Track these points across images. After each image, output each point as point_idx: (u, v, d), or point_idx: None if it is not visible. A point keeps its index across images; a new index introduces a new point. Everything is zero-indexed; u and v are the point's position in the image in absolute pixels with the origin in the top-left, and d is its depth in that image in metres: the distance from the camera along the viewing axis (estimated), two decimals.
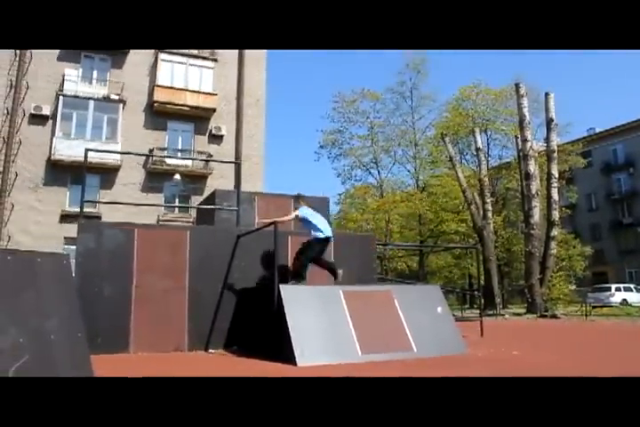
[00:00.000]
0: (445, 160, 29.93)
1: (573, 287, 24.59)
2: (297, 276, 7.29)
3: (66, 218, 19.44)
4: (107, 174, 21.02)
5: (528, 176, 21.56)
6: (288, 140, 78.45)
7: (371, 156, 33.63)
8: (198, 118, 22.91)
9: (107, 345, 6.70)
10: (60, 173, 20.21)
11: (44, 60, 20.69)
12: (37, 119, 20.45)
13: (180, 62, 22.64)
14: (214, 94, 22.92)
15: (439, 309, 7.37)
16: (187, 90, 22.52)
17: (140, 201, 19.45)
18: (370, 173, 34.06)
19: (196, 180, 22.40)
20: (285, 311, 6.28)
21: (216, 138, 23.13)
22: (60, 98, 20.68)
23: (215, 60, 23.32)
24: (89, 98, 21.10)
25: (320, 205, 10.30)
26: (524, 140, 21.89)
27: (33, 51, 20.46)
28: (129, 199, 19.30)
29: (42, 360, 3.48)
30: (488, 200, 26.14)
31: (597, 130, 46.57)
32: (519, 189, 25.17)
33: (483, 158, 27.31)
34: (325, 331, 6.32)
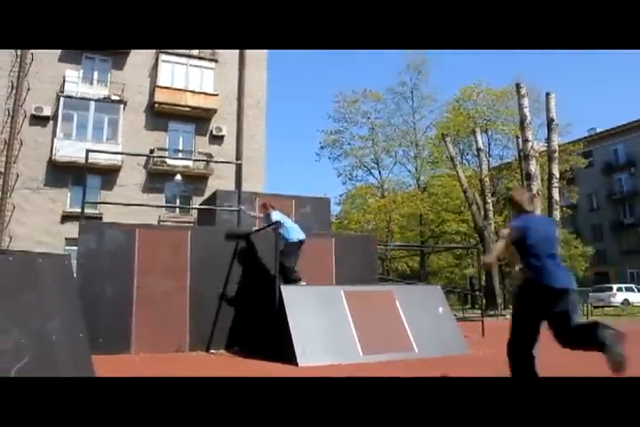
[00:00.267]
0: (446, 160, 29.92)
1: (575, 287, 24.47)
2: (291, 282, 7.29)
3: (67, 219, 19.45)
4: (108, 175, 21.04)
5: (529, 176, 21.53)
6: (289, 140, 78.51)
7: (372, 156, 33.67)
8: (199, 119, 22.93)
9: (108, 346, 6.71)
10: (61, 173, 20.22)
11: (44, 61, 20.72)
12: (38, 120, 20.47)
13: (180, 63, 22.65)
14: (215, 95, 22.93)
15: (440, 309, 7.38)
16: (187, 90, 22.53)
17: (140, 202, 19.47)
18: (371, 173, 34.11)
19: (196, 180, 22.41)
20: (286, 312, 6.29)
21: (217, 138, 23.15)
22: (61, 99, 20.70)
23: (216, 61, 23.33)
24: (90, 99, 21.11)
25: (321, 205, 10.33)
26: (525, 141, 21.85)
27: (34, 52, 20.50)
28: (130, 200, 19.32)
29: (43, 361, 3.49)
30: (489, 200, 26.15)
31: (598, 130, 46.52)
32: None
33: (484, 158, 27.31)
34: (326, 331, 6.32)
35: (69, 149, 19.77)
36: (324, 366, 5.66)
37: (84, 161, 8.79)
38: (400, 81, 34.14)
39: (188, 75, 22.69)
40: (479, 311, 15.01)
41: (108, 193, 20.70)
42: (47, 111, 20.47)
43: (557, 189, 21.56)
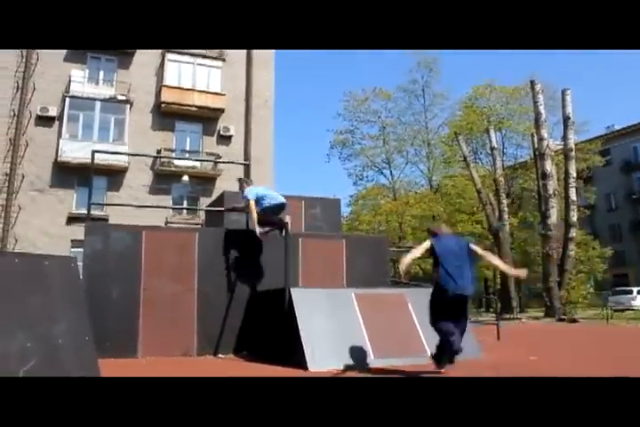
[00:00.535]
0: (459, 160, 29.86)
1: (592, 290, 24.36)
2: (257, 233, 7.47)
3: (73, 220, 19.59)
4: (114, 176, 21.17)
5: (545, 176, 21.41)
6: (298, 140, 78.63)
7: (383, 156, 33.67)
8: (206, 119, 23.02)
9: (115, 349, 6.74)
10: (67, 174, 20.38)
11: (50, 62, 20.89)
12: (44, 121, 20.65)
13: (187, 62, 22.75)
14: (222, 94, 23.01)
15: None
16: (194, 90, 22.63)
17: (147, 203, 19.57)
18: (382, 173, 34.10)
19: (204, 181, 22.49)
20: (296, 314, 6.29)
21: (224, 139, 23.23)
22: (67, 99, 20.87)
23: (223, 60, 23.42)
24: (96, 99, 21.27)
25: (331, 206, 10.32)
26: (541, 139, 21.75)
27: (39, 52, 20.68)
28: (136, 201, 19.44)
29: (49, 364, 3.51)
30: (504, 201, 26.04)
31: (616, 127, 46.15)
32: (536, 190, 25.02)
33: (497, 158, 27.23)
34: (337, 334, 6.31)
35: (75, 150, 19.92)
36: (334, 370, 5.66)
37: (90, 162, 8.84)
38: (411, 79, 34.15)
39: (194, 74, 22.78)
40: (494, 315, 14.93)
41: (115, 194, 20.83)
42: (53, 112, 20.65)
43: (574, 189, 21.42)
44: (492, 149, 27.04)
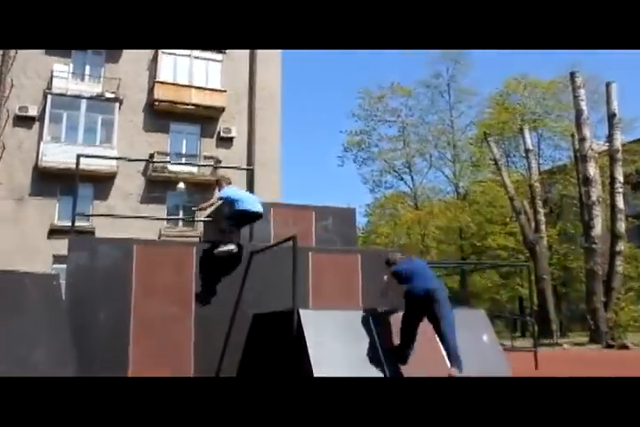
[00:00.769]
0: (489, 163, 29.81)
1: None
2: (219, 245, 7.67)
3: (55, 233, 19.67)
4: (101, 183, 21.27)
5: (587, 181, 21.29)
6: (308, 143, 78.79)
7: (403, 159, 33.55)
8: (205, 119, 23.12)
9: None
10: (49, 181, 20.49)
11: (30, 55, 21.04)
12: (23, 121, 20.81)
13: (183, 55, 22.88)
14: (223, 91, 23.12)
15: (485, 337, 7.28)
16: (191, 86, 22.75)
17: (139, 213, 19.64)
18: (402, 179, 33.97)
19: (202, 189, 22.50)
20: (306, 340, 6.25)
21: (225, 141, 23.31)
22: (49, 97, 21.05)
23: (223, 53, 23.52)
24: (81, 96, 21.44)
25: (345, 216, 10.29)
26: (582, 139, 21.66)
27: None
28: (126, 211, 19.51)
29: None
30: (540, 210, 25.89)
31: None
32: (577, 197, 24.91)
33: (533, 161, 27.13)
34: (353, 363, 6.27)
35: (58, 154, 20.03)
36: None
37: (74, 167, 8.88)
38: (434, 72, 34.02)
39: (191, 69, 22.93)
40: (531, 340, 14.77)
41: (102, 204, 20.93)
42: (33, 111, 20.81)
43: (621, 195, 21.27)
44: (527, 150, 26.95)
